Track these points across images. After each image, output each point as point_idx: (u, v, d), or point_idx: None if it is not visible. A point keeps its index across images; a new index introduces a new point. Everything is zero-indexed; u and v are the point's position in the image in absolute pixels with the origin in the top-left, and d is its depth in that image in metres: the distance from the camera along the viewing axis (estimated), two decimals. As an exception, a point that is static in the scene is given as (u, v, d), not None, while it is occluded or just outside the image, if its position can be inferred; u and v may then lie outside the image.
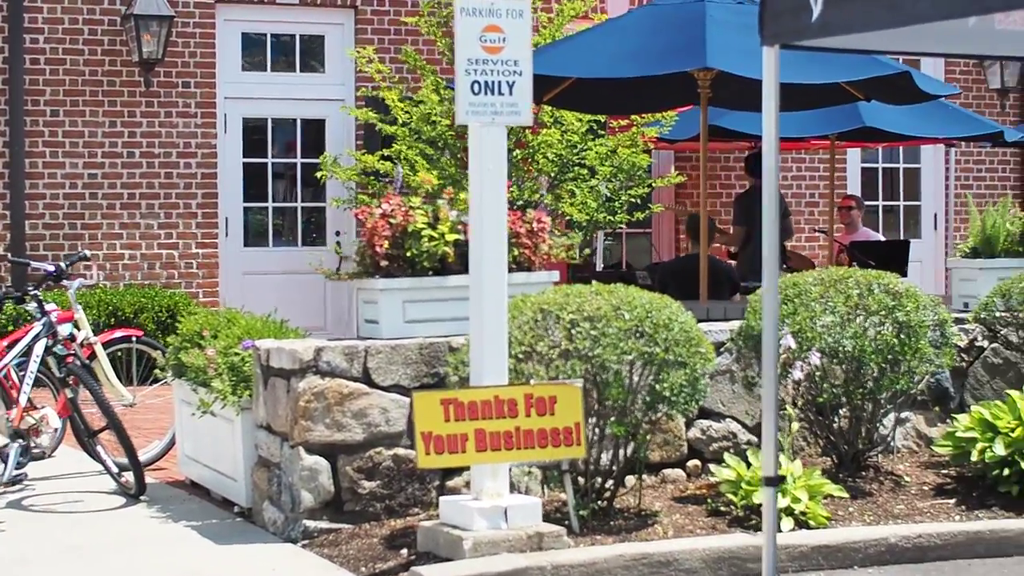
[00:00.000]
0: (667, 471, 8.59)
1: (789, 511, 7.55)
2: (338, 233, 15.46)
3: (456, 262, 7.95)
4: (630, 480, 8.01)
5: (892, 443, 9.06)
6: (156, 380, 9.57)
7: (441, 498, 7.47)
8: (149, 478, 8.96)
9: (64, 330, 8.97)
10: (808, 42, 5.83)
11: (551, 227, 8.59)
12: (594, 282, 7.88)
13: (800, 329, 8.21)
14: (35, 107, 14.39)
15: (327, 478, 7.73)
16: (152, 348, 9.98)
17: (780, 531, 7.03)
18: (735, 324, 8.77)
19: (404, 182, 9.40)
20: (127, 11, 14.47)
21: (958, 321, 9.17)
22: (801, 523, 7.59)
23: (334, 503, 7.75)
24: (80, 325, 9.21)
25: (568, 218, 13.68)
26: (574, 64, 10.83)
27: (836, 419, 8.58)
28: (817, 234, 16.89)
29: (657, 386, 7.50)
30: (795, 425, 8.19)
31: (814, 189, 17.50)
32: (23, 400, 8.67)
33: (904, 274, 13.26)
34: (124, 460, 8.78)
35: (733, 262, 13.77)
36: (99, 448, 9.00)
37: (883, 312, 8.40)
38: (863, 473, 8.60)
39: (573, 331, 7.41)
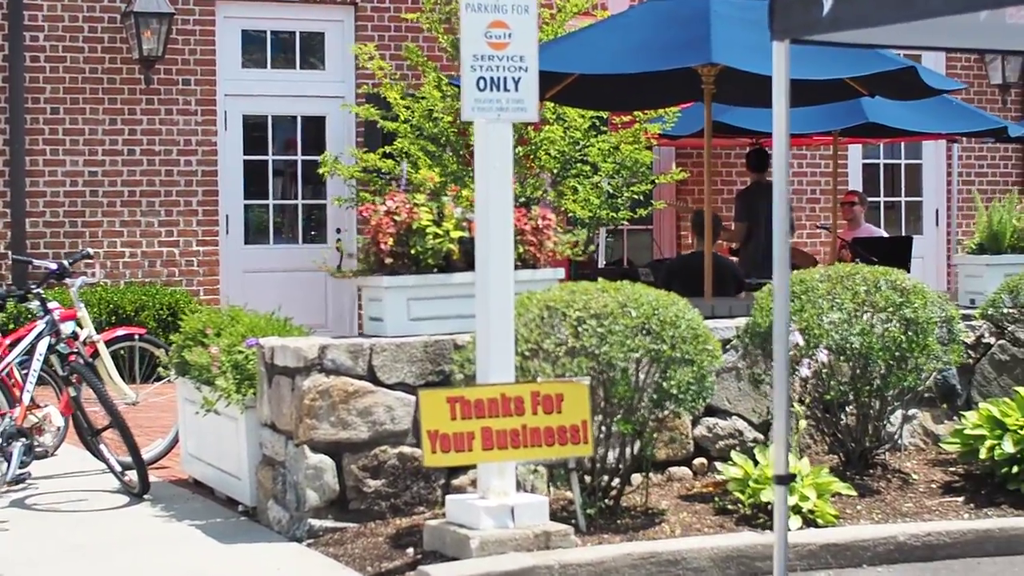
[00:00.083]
0: (673, 469, 8.55)
1: (797, 509, 7.51)
2: (339, 231, 15.42)
3: (461, 259, 7.92)
4: (636, 478, 7.98)
5: (899, 440, 9.02)
6: (159, 378, 9.54)
7: (447, 497, 7.43)
8: (152, 477, 8.91)
9: (67, 328, 8.95)
10: (818, 36, 5.80)
11: (555, 224, 8.55)
12: (600, 279, 7.84)
13: (807, 326, 8.18)
14: (35, 104, 14.34)
15: (332, 477, 7.70)
16: (154, 346, 9.95)
17: (788, 529, 6.99)
18: (741, 321, 8.74)
19: (407, 179, 9.36)
20: (127, 8, 14.42)
21: (965, 318, 9.12)
22: (809, 521, 7.56)
23: (339, 502, 7.72)
24: (83, 323, 9.19)
25: (570, 215, 13.64)
26: (577, 60, 10.79)
27: (843, 416, 8.54)
28: (819, 230, 16.85)
29: (664, 384, 7.46)
30: (802, 423, 8.15)
31: (815, 185, 17.47)
32: (26, 399, 8.64)
33: (907, 270, 13.21)
34: (127, 459, 8.75)
35: (735, 259, 13.72)
36: (102, 447, 8.97)
37: (890, 309, 8.36)
38: (870, 471, 8.56)
39: (580, 328, 7.37)
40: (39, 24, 14.35)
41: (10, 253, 13.85)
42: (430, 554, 7.08)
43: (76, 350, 8.92)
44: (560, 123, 13.65)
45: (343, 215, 15.24)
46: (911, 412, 9.04)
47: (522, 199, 12.78)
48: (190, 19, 14.82)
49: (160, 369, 9.35)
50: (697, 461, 8.63)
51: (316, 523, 7.66)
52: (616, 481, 7.73)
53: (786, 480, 5.82)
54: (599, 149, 13.76)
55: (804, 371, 8.11)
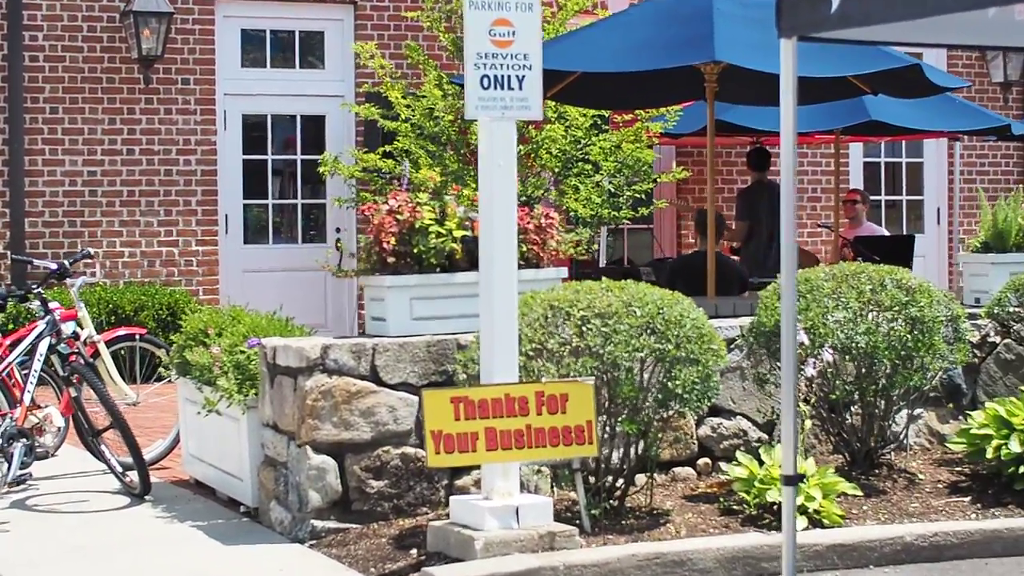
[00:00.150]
0: (677, 469, 8.50)
1: (803, 509, 7.47)
2: (339, 230, 15.37)
3: (463, 259, 7.88)
4: (640, 479, 7.93)
5: (905, 440, 8.97)
6: (159, 378, 9.50)
7: (451, 498, 7.38)
8: (153, 477, 8.87)
9: (68, 328, 8.91)
10: (826, 34, 5.76)
11: (558, 223, 8.51)
12: (604, 278, 7.80)
13: (812, 325, 8.14)
14: (34, 104, 14.29)
15: (334, 477, 7.65)
16: (155, 346, 9.90)
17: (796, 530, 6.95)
18: (745, 320, 8.70)
19: (409, 179, 9.32)
20: (126, 7, 14.37)
21: (970, 317, 9.08)
22: (815, 522, 7.52)
23: (342, 503, 7.67)
24: (83, 323, 9.15)
25: (572, 213, 13.60)
26: (578, 59, 10.75)
27: (848, 416, 8.50)
28: (820, 229, 16.80)
29: (669, 383, 7.42)
30: (808, 422, 8.11)
31: (817, 184, 17.42)
32: (27, 399, 8.60)
33: (909, 269, 13.18)
34: (128, 459, 8.71)
35: (736, 258, 13.69)
36: (103, 447, 8.92)
37: (896, 308, 8.32)
38: (876, 471, 8.52)
39: (584, 328, 7.34)
40: (38, 23, 14.31)
41: (10, 253, 13.81)
42: (434, 555, 7.04)
43: (77, 350, 8.88)
44: (561, 122, 13.61)
45: (343, 215, 15.19)
46: (917, 411, 8.99)
47: (524, 198, 12.74)
48: (189, 18, 14.77)
49: (161, 369, 9.31)
50: (701, 461, 8.59)
51: (318, 524, 7.62)
52: (620, 481, 7.69)
53: (794, 481, 5.78)
54: (600, 148, 13.71)
55: (809, 370, 8.07)
